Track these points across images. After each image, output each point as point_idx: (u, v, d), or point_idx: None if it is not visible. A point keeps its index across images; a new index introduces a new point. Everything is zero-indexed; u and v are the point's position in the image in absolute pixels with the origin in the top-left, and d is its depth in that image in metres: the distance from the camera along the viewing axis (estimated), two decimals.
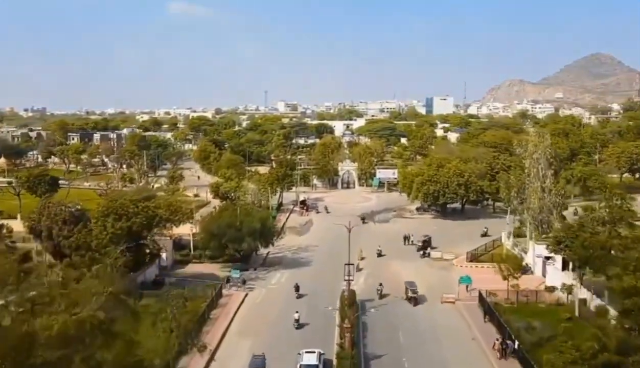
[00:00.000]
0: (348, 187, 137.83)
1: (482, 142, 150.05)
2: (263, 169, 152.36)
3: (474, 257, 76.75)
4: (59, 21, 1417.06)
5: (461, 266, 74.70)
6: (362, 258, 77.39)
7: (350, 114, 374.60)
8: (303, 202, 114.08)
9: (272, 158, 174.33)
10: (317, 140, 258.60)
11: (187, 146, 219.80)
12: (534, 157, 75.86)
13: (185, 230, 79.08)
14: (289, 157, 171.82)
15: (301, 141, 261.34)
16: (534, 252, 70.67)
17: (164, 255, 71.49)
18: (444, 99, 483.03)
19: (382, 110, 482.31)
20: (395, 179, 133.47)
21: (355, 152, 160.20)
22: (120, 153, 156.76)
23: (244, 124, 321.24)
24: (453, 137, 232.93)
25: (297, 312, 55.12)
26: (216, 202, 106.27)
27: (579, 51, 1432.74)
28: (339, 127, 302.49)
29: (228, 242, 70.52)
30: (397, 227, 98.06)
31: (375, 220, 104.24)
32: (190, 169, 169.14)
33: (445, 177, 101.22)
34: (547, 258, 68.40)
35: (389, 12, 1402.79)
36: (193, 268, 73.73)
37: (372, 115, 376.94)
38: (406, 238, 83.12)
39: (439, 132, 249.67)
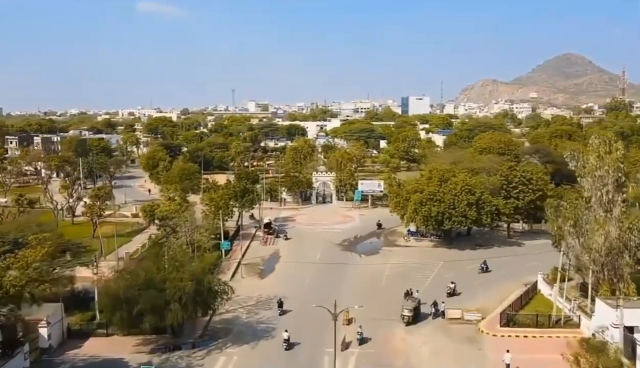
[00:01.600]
0: (324, 202, 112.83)
1: (480, 147, 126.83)
2: (223, 178, 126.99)
3: (510, 319, 52.37)
4: (21, 20, 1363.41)
5: (494, 335, 50.31)
6: (349, 322, 52.45)
7: (323, 114, 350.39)
8: (268, 226, 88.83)
9: (234, 165, 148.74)
10: (289, 143, 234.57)
11: (143, 151, 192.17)
12: (597, 175, 51.73)
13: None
14: (250, 166, 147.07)
15: (271, 143, 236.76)
16: (608, 318, 46.53)
17: (43, 330, 45.58)
18: (420, 99, 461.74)
19: (356, 111, 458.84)
20: (381, 192, 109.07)
21: (333, 158, 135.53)
22: (49, 160, 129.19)
23: (211, 125, 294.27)
24: (438, 139, 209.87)
25: (286, 330, 47.84)
26: (154, 230, 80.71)
27: (550, 51, 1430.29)
28: (312, 128, 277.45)
29: (144, 312, 44.83)
30: (390, 263, 73.32)
31: (361, 251, 79.39)
32: (142, 179, 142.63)
33: (451, 195, 76.98)
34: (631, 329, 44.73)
35: (362, 11, 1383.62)
36: (94, 346, 47.90)
37: (347, 116, 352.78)
38: (408, 294, 58.55)
39: (422, 134, 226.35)
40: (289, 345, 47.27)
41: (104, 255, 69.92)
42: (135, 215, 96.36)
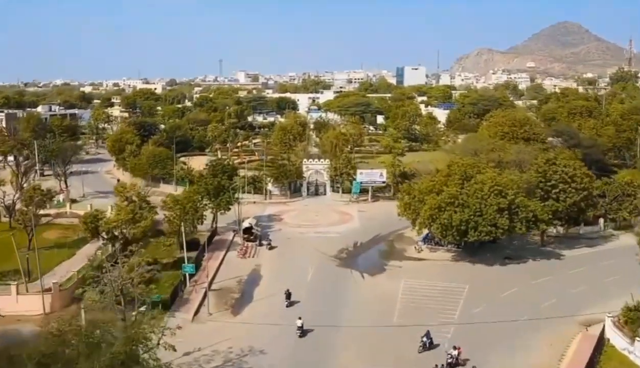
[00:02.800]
0: (317, 194, 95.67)
1: (495, 127, 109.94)
2: (203, 161, 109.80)
3: None
4: None
5: None
6: None
7: (316, 85, 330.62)
8: (248, 231, 71.87)
9: (214, 149, 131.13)
10: (279, 118, 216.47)
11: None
12: None
13: None
14: (234, 147, 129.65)
15: (259, 118, 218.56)
16: None
17: None
18: (416, 69, 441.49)
19: (349, 81, 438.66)
20: (383, 183, 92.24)
21: (326, 140, 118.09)
22: (3, 142, 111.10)
23: (196, 97, 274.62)
24: (439, 114, 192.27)
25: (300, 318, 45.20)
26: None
27: (546, 20, 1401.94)
28: (303, 101, 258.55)
29: None
30: (400, 287, 56.74)
31: (363, 269, 62.65)
32: (112, 164, 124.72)
33: (477, 199, 60.18)
34: None
35: None
36: None
37: (340, 87, 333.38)
38: (426, 345, 42.13)
39: (421, 108, 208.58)
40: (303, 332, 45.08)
41: (25, 281, 53.02)
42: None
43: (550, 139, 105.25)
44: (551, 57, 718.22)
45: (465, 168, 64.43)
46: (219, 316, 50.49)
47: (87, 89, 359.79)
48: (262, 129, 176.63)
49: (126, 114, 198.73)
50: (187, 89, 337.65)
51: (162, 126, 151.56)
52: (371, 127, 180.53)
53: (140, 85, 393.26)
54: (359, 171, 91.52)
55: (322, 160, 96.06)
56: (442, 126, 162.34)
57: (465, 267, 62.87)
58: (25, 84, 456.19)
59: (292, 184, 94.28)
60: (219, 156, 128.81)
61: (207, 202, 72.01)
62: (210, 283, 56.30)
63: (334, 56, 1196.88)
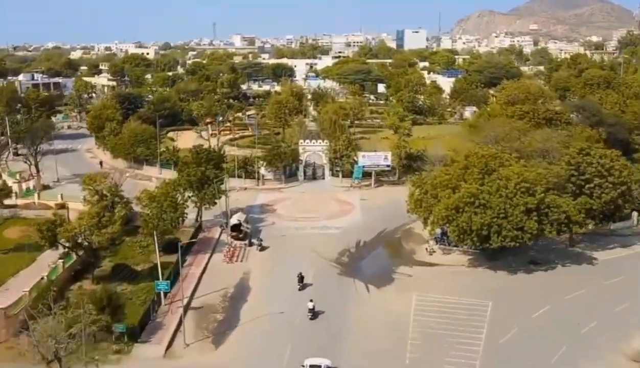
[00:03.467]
0: (314, 178, 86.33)
1: (511, 106, 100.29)
2: (191, 138, 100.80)
3: None
4: None
5: None
6: None
7: (314, 50, 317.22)
8: (237, 228, 62.98)
9: (207, 122, 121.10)
10: (275, 86, 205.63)
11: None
12: None
13: None
14: (226, 121, 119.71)
15: (254, 86, 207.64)
16: None
17: None
18: (416, 32, 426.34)
19: (348, 45, 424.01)
20: (387, 167, 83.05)
21: (325, 114, 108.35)
22: None
23: (189, 63, 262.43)
24: (443, 82, 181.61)
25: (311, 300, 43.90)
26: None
27: None
28: (300, 67, 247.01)
29: None
30: (412, 303, 48.21)
31: (368, 279, 53.87)
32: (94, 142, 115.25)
33: (500, 197, 51.18)
34: None
35: None
36: None
37: (339, 52, 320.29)
38: None
39: (421, 72, 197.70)
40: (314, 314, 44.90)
41: None
42: (61, 206, 69.99)
43: (570, 114, 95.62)
44: (554, 19, 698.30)
45: (486, 160, 55.15)
46: (197, 348, 41.99)
47: (77, 54, 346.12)
48: (256, 99, 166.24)
49: (114, 82, 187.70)
50: (180, 54, 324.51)
51: (150, 97, 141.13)
52: (372, 97, 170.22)
53: (132, 49, 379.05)
54: (361, 154, 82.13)
55: (320, 141, 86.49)
56: (447, 96, 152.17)
57: (485, 274, 54.27)
58: (15, 48, 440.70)
59: (288, 167, 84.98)
60: (210, 132, 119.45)
61: (190, 194, 63.09)
62: (190, 301, 47.77)
63: (332, 19, 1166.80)
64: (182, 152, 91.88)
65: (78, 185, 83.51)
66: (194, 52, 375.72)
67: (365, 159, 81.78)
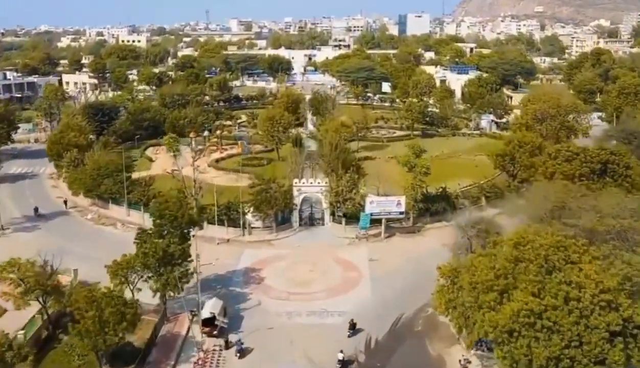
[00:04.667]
0: (312, 223, 70.84)
1: (536, 118, 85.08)
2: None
3: None
4: None
5: None
6: None
7: (312, 39, 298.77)
8: (210, 322, 47.66)
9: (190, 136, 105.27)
10: (271, 81, 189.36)
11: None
12: None
13: None
14: (212, 136, 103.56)
15: (249, 82, 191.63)
16: None
17: None
18: (419, 16, 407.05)
19: (349, 30, 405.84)
20: (401, 214, 67.54)
21: (325, 132, 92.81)
22: None
23: (183, 53, 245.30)
24: (453, 81, 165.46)
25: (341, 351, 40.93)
26: None
27: None
28: (298, 58, 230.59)
29: None
30: None
31: None
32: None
33: (570, 316, 35.79)
34: None
35: None
36: None
37: (339, 41, 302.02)
38: None
39: (430, 71, 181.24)
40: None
41: None
42: None
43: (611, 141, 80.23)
44: (558, 0, 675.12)
45: (547, 252, 39.62)
46: None
47: (66, 42, 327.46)
48: (250, 101, 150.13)
49: (95, 80, 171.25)
50: (172, 42, 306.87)
51: (129, 103, 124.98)
52: (376, 97, 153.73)
53: (124, 35, 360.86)
54: (368, 199, 66.40)
55: (318, 180, 70.64)
56: (459, 101, 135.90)
57: None
58: (3, 34, 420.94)
59: (281, 213, 69.37)
60: (193, 148, 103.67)
61: (149, 275, 47.84)
62: None
63: (332, 0, 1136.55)
64: (159, 183, 77.18)
65: (31, 234, 69.13)
66: (189, 38, 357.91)
67: (374, 205, 66.18)
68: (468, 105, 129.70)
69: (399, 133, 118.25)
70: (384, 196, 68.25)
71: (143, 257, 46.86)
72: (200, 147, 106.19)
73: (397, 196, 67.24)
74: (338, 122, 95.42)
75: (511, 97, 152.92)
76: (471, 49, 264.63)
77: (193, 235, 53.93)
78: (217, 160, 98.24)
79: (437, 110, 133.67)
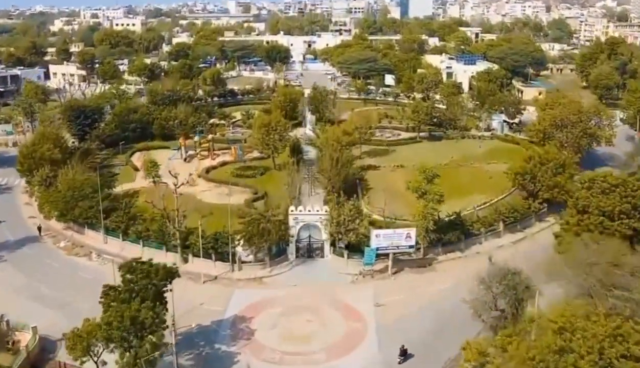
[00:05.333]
0: (310, 255, 62.82)
1: (555, 124, 76.82)
2: (164, 157, 78.07)
3: None
4: None
5: None
6: None
7: (312, 24, 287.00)
8: None
9: (180, 142, 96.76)
10: (268, 71, 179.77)
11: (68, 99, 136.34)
12: None
13: None
14: (204, 138, 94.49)
15: (245, 72, 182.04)
16: None
17: None
18: None
19: (349, 11, 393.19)
20: (411, 248, 59.44)
21: (325, 141, 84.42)
22: None
23: (178, 39, 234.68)
24: (461, 73, 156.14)
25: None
26: None
27: None
28: (297, 45, 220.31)
29: None
30: None
31: None
32: None
33: None
34: None
35: None
36: None
37: (340, 25, 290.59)
38: None
39: (434, 61, 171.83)
40: None
41: None
42: None
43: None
44: None
45: (601, 344, 31.52)
46: None
47: (59, 25, 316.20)
48: (246, 96, 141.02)
49: (83, 71, 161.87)
50: (168, 27, 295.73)
51: (115, 103, 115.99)
52: (380, 91, 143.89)
53: (120, 18, 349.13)
54: (374, 232, 58.15)
55: (317, 208, 62.30)
56: (467, 97, 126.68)
57: None
58: None
59: (276, 246, 61.22)
60: (183, 153, 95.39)
61: (115, 347, 39.94)
62: None
63: None
64: (144, 198, 68.88)
65: None
66: (185, 21, 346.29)
67: (380, 239, 58.03)
68: (477, 103, 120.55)
69: (404, 135, 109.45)
70: (390, 218, 60.01)
71: (107, 328, 38.81)
72: (190, 152, 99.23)
73: (407, 228, 59.09)
74: (339, 130, 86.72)
75: (522, 92, 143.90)
76: (477, 35, 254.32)
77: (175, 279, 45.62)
78: (207, 170, 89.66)
79: (444, 107, 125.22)
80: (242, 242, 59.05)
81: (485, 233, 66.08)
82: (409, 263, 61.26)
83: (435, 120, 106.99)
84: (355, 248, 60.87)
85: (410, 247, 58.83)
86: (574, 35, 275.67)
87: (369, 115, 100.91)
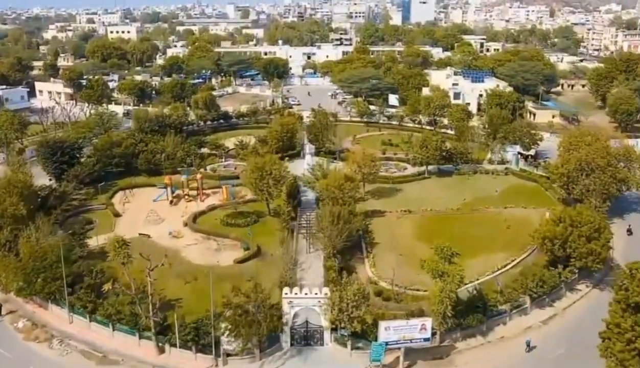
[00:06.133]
0: (307, 342, 52.92)
1: (580, 168, 67.94)
2: (148, 197, 69.54)
3: None
4: None
5: None
6: None
7: (312, 33, 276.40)
8: None
9: (166, 182, 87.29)
10: (266, 88, 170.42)
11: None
12: None
13: None
14: (194, 172, 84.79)
15: (242, 89, 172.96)
16: None
17: None
18: (424, 2, 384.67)
19: (349, 16, 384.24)
20: (426, 340, 49.94)
21: (325, 189, 75.21)
22: None
23: (170, 52, 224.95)
24: (466, 89, 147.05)
25: None
26: None
27: None
28: (296, 57, 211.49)
29: None
30: None
31: None
32: None
33: None
34: None
35: None
36: None
37: (341, 34, 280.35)
38: None
39: (439, 77, 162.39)
40: None
41: None
42: None
43: None
44: None
45: None
46: None
47: (52, 33, 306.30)
48: (241, 119, 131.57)
49: (70, 89, 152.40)
50: (163, 35, 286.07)
51: (97, 134, 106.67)
52: (384, 113, 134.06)
53: (115, 24, 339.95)
54: (382, 325, 48.57)
55: (315, 291, 52.71)
56: (479, 124, 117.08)
57: None
58: None
59: (269, 337, 51.72)
60: (169, 194, 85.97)
61: None
62: None
63: None
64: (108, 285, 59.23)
65: None
66: (182, 27, 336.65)
67: (390, 332, 48.57)
68: (488, 129, 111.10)
69: (410, 170, 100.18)
70: (399, 287, 50.50)
71: None
72: (178, 191, 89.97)
73: (421, 318, 49.54)
74: (340, 175, 77.14)
75: (534, 114, 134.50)
76: (481, 44, 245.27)
77: None
78: (195, 217, 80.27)
79: (452, 132, 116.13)
80: (226, 334, 49.51)
81: (510, 311, 56.63)
82: (423, 354, 51.80)
83: (445, 154, 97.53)
84: (361, 336, 51.48)
85: (426, 339, 49.37)
86: (582, 43, 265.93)
87: (375, 157, 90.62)
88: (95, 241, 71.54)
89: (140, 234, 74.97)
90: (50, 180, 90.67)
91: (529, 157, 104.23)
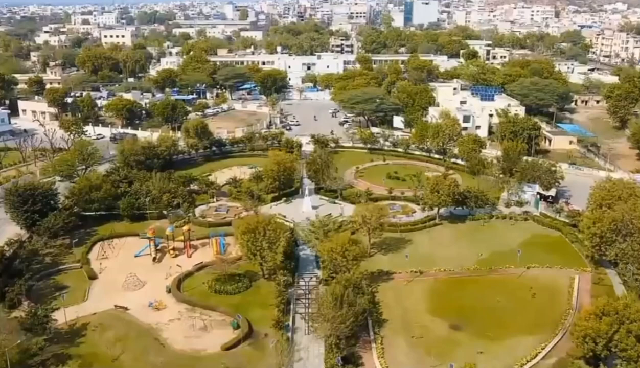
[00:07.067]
0: None
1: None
2: (127, 255, 59.86)
3: None
4: None
5: None
6: None
7: (312, 41, 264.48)
8: None
9: (149, 236, 77.41)
10: (262, 105, 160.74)
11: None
12: None
13: None
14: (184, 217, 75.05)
15: (238, 105, 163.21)
16: None
17: None
18: (427, 3, 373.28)
19: (351, 17, 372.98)
20: None
21: (326, 253, 65.72)
22: None
23: (166, 61, 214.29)
24: (476, 106, 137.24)
25: None
26: None
27: None
28: (295, 69, 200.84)
29: None
30: None
31: None
32: None
33: None
34: None
35: None
36: None
37: (342, 40, 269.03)
38: None
39: (446, 93, 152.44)
40: None
41: None
42: None
43: None
44: None
45: None
46: None
47: (44, 37, 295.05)
48: (235, 145, 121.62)
49: (54, 109, 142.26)
50: (158, 39, 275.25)
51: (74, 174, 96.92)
52: (388, 137, 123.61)
53: (111, 26, 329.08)
54: None
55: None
56: (493, 159, 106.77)
57: None
58: None
59: None
60: (152, 249, 76.28)
61: None
62: None
63: None
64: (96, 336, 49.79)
65: None
66: (179, 30, 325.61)
67: None
68: (503, 164, 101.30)
69: (419, 214, 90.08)
70: None
71: None
72: (162, 243, 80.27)
73: None
74: (344, 239, 67.37)
75: (550, 140, 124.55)
76: (487, 51, 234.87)
77: None
78: (179, 282, 70.40)
79: (463, 162, 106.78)
80: None
81: None
82: None
83: (458, 198, 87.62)
84: None
85: None
86: (591, 49, 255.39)
87: (382, 211, 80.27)
88: (63, 315, 61.88)
89: (116, 306, 65.39)
90: (21, 229, 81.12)
91: (549, 197, 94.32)
